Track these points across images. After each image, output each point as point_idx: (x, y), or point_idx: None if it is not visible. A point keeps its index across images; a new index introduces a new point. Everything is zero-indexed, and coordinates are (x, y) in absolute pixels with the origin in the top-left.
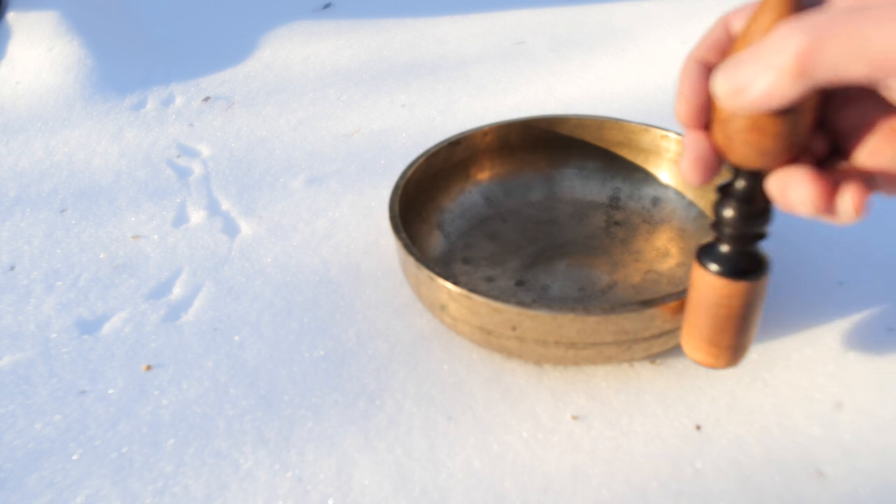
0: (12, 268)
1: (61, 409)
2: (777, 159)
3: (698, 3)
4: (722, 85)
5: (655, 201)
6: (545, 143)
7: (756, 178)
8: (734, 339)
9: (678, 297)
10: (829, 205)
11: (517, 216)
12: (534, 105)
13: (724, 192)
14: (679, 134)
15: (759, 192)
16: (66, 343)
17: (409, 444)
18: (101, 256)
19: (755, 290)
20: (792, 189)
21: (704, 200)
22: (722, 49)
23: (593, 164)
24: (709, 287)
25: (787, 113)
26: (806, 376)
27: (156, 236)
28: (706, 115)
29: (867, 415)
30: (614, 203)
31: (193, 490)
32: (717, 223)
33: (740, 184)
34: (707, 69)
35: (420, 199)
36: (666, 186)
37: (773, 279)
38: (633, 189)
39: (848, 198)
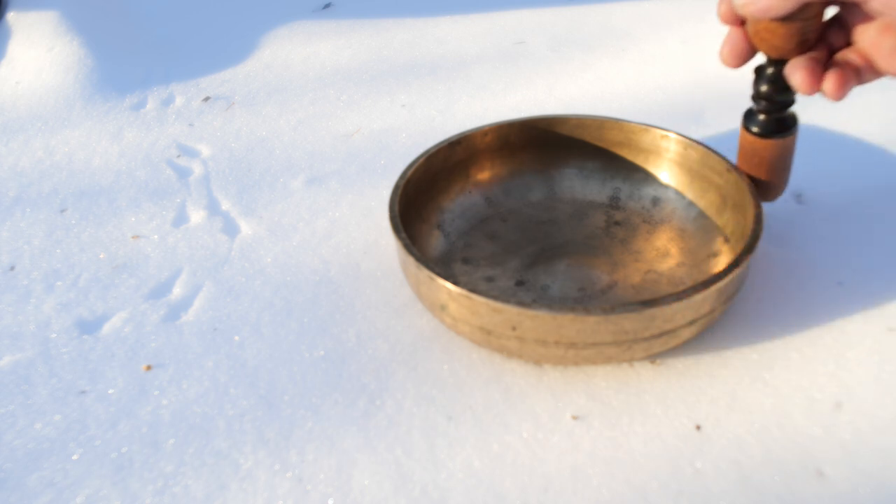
0: (12, 268)
1: (61, 409)
2: (789, 53)
3: (698, 3)
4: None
5: (655, 201)
6: (545, 143)
7: (779, 64)
8: (770, 179)
9: (678, 297)
10: (817, 87)
11: (517, 216)
12: (534, 105)
13: (758, 73)
14: (679, 133)
15: (781, 75)
16: (66, 343)
17: (409, 444)
18: (101, 256)
19: (783, 146)
20: (793, 74)
21: (704, 200)
22: None
23: (593, 164)
24: (748, 143)
25: (790, 20)
26: (806, 376)
27: (156, 236)
28: (740, 16)
29: (867, 415)
30: (614, 203)
31: (193, 490)
32: (755, 96)
33: (769, 69)
34: None
35: (420, 199)
36: (666, 186)
37: (774, 279)
38: (633, 189)
39: (828, 82)
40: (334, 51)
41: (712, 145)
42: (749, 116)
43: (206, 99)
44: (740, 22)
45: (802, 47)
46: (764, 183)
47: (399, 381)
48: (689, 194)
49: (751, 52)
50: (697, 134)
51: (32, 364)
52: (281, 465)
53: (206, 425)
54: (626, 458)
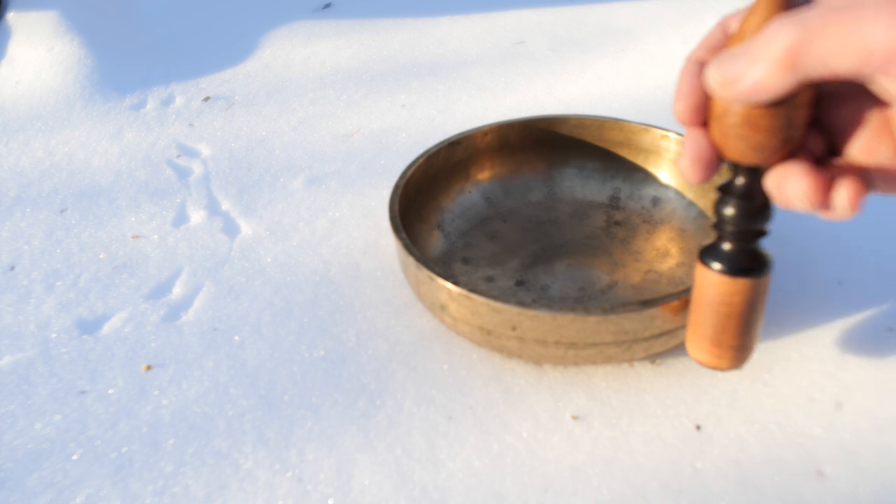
0: (12, 268)
1: (61, 409)
2: (772, 155)
3: (698, 3)
4: (714, 75)
5: (655, 201)
6: (545, 143)
7: (754, 174)
8: (737, 339)
9: (678, 297)
10: (824, 199)
11: (517, 216)
12: (534, 105)
13: (725, 190)
14: (679, 134)
15: (758, 188)
16: (66, 343)
17: (409, 444)
18: (101, 256)
19: (757, 288)
20: (788, 184)
21: (705, 200)
22: (720, 49)
23: (593, 164)
24: (711, 285)
25: (778, 107)
26: (806, 376)
27: (156, 236)
28: (703, 113)
29: (867, 415)
30: (614, 203)
31: (193, 490)
32: (719, 222)
33: (739, 181)
34: (701, 67)
35: (420, 199)
36: (666, 186)
37: (774, 279)
38: (633, 189)
39: (843, 192)
40: (334, 51)
41: None
42: (710, 250)
43: (206, 99)
44: (703, 121)
45: (786, 149)
46: (729, 344)
47: (399, 381)
48: (689, 194)
49: (719, 160)
50: None
51: (32, 364)
52: (281, 465)
53: (206, 425)
54: (626, 458)
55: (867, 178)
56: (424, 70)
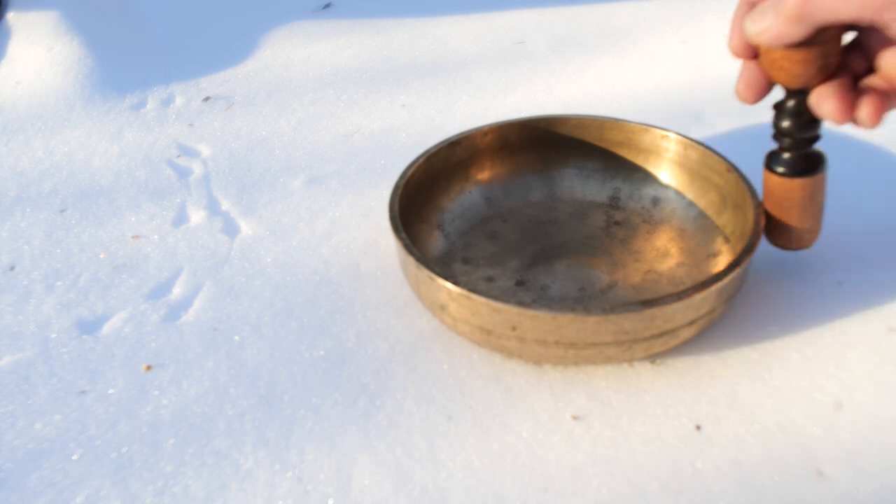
0: (12, 268)
1: (61, 409)
2: (811, 80)
3: (698, 3)
4: (750, 28)
5: (655, 201)
6: (545, 143)
7: (800, 95)
8: (802, 224)
9: (678, 297)
10: (851, 115)
11: (517, 216)
12: (534, 105)
13: (779, 108)
14: (679, 133)
15: (804, 106)
16: (66, 343)
17: (409, 444)
18: (101, 256)
19: (813, 185)
20: (822, 103)
21: (705, 200)
22: None
23: (593, 164)
24: (776, 186)
25: (809, 45)
26: (806, 376)
27: (156, 236)
28: (753, 48)
29: (867, 415)
30: (614, 203)
31: (193, 490)
32: (776, 134)
33: (789, 102)
34: (752, 8)
35: (420, 199)
36: (666, 186)
37: (774, 279)
38: (633, 189)
39: (865, 109)
40: (334, 51)
41: (712, 145)
42: (773, 157)
43: (206, 99)
44: (754, 54)
45: (823, 74)
46: (797, 229)
47: (399, 381)
48: (689, 194)
49: (768, 85)
50: (697, 134)
51: (32, 364)
52: (281, 465)
53: (206, 425)
54: (626, 458)
55: (891, 99)
56: (424, 70)
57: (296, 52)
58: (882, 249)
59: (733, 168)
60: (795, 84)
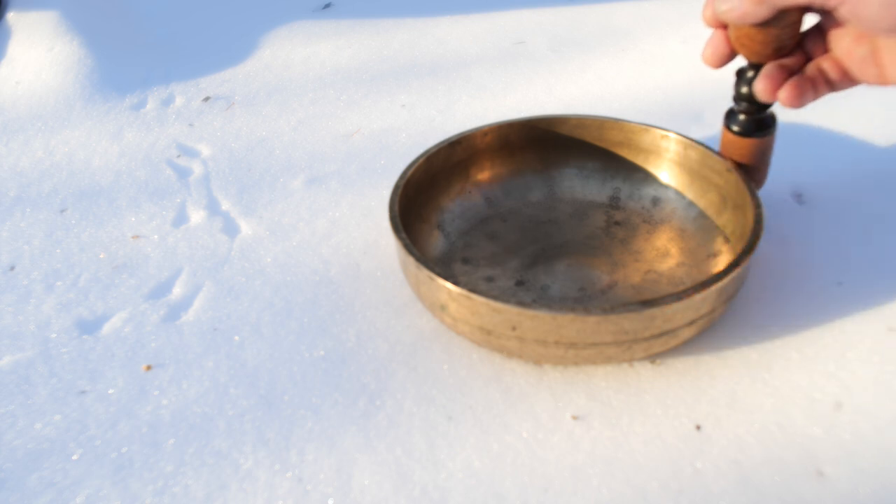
0: (12, 268)
1: (61, 409)
2: (768, 58)
3: (698, 3)
4: (718, 5)
5: (655, 201)
6: (545, 143)
7: (759, 68)
8: (752, 174)
9: (678, 297)
10: (773, 96)
11: (517, 216)
12: (534, 105)
13: (739, 75)
14: (679, 133)
15: None
16: (66, 343)
17: (409, 444)
18: (101, 256)
19: (762, 144)
20: (757, 81)
21: (704, 200)
22: None
23: (593, 164)
24: (730, 142)
25: (768, 27)
26: (806, 376)
27: (156, 236)
28: (722, 21)
29: (867, 415)
30: (614, 203)
31: (193, 490)
32: (735, 97)
33: (749, 72)
34: None
35: (420, 199)
36: (666, 186)
37: (774, 279)
38: (633, 189)
39: (784, 91)
40: (334, 51)
41: (712, 145)
42: (730, 116)
43: (206, 99)
44: (723, 26)
45: (779, 53)
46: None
47: (399, 381)
48: (689, 194)
49: (731, 55)
50: (697, 134)
51: (32, 364)
52: (281, 465)
53: (206, 425)
54: (626, 458)
55: (830, 83)
56: (424, 70)
57: (296, 52)
58: (882, 249)
59: (733, 168)
60: (754, 59)
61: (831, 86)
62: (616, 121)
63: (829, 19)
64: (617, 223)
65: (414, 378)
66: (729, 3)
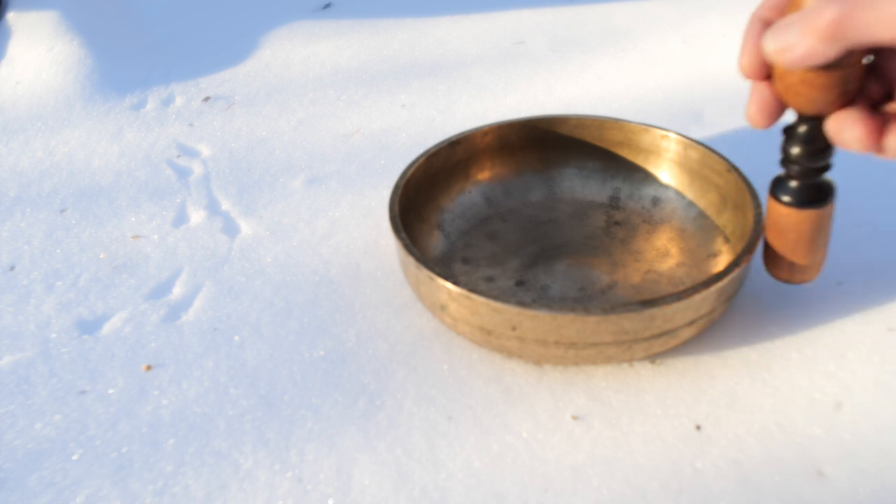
0: (12, 268)
1: (61, 409)
2: (829, 106)
3: (698, 3)
4: (770, 44)
5: (655, 201)
6: (545, 143)
7: (815, 121)
8: (806, 259)
9: (678, 297)
10: (878, 143)
11: (517, 216)
12: (534, 105)
13: (789, 133)
14: (679, 133)
15: (819, 133)
16: (66, 343)
17: (409, 444)
18: (101, 256)
19: (821, 217)
20: (845, 129)
21: (705, 200)
22: (781, 9)
23: (593, 164)
24: (781, 216)
25: (832, 69)
26: (806, 376)
27: (156, 236)
28: (766, 68)
29: (867, 415)
30: (614, 203)
31: (193, 490)
32: (784, 160)
33: (802, 127)
34: (767, 26)
35: (420, 199)
36: (666, 186)
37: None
38: (633, 189)
39: (894, 136)
40: (334, 51)
41: (712, 145)
42: (779, 185)
43: (206, 99)
44: (766, 75)
45: (843, 100)
46: (801, 263)
47: (399, 381)
48: (689, 194)
49: (781, 108)
50: (697, 134)
51: (32, 364)
52: (281, 465)
53: (206, 425)
54: (626, 458)
55: None
56: (424, 70)
57: (296, 52)
58: (882, 249)
59: (733, 168)
60: (812, 110)
61: None
62: (616, 121)
63: (892, 60)
64: (617, 223)
65: (414, 378)
66: (784, 40)
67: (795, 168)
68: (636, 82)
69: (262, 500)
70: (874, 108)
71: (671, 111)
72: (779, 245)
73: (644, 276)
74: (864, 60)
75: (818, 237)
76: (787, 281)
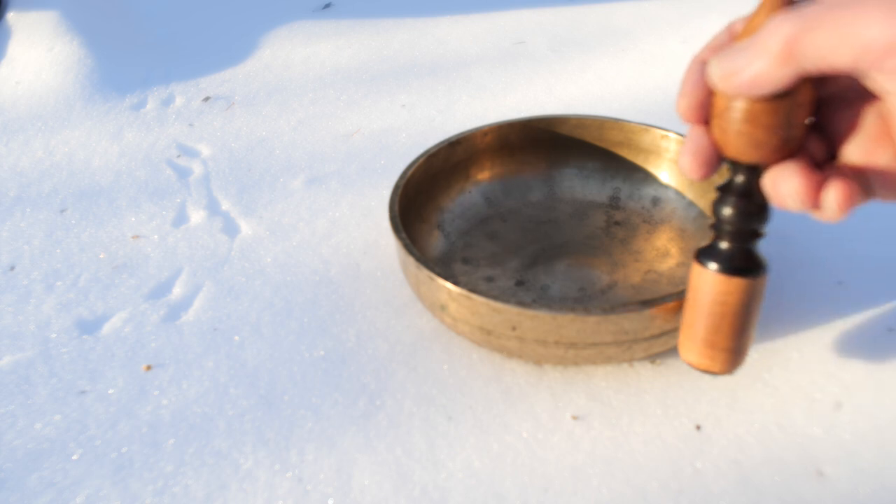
0: (12, 268)
1: (61, 409)
2: (771, 154)
3: (698, 3)
4: (715, 69)
5: (655, 201)
6: (545, 143)
7: (753, 172)
8: (730, 341)
9: (678, 297)
10: (815, 199)
11: (517, 216)
12: (534, 105)
13: (724, 190)
14: (679, 133)
15: (756, 187)
16: (66, 343)
17: (409, 444)
18: (101, 256)
19: (753, 289)
20: (782, 182)
21: (704, 200)
22: (722, 48)
23: (593, 164)
24: (706, 283)
25: (779, 103)
26: (806, 376)
27: (156, 236)
28: (705, 111)
29: (867, 415)
30: (614, 203)
31: (193, 490)
32: (717, 222)
33: (739, 179)
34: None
35: (420, 199)
36: (666, 186)
37: (773, 279)
38: (633, 189)
39: (832, 193)
40: (334, 51)
41: None
42: (707, 250)
43: (206, 99)
44: (704, 119)
45: (785, 150)
46: (729, 346)
47: (399, 381)
48: (689, 194)
49: (718, 159)
50: None
51: (32, 364)
52: (281, 465)
53: (206, 425)
54: (626, 458)
55: (866, 183)
56: (424, 70)
57: (296, 52)
58: (882, 249)
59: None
60: (751, 157)
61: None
62: (616, 121)
63: (837, 115)
64: (617, 223)
65: (414, 378)
66: (732, 64)
67: (727, 228)
68: (636, 82)
69: (262, 500)
70: (816, 166)
71: (671, 111)
72: (699, 321)
73: (644, 276)
74: (807, 121)
75: (746, 315)
76: (702, 368)
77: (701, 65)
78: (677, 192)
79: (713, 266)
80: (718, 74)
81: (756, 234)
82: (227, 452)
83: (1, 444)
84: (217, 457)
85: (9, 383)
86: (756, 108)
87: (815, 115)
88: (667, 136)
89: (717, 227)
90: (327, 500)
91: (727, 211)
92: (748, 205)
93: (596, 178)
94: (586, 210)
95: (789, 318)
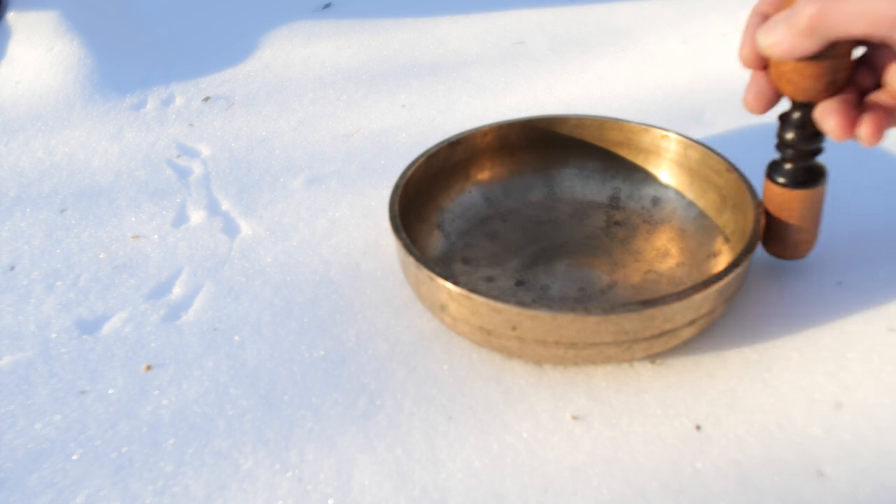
0: (12, 268)
1: (61, 409)
2: (818, 95)
3: (698, 3)
4: (762, 40)
5: (655, 201)
6: (545, 143)
7: (806, 108)
8: (798, 235)
9: (678, 297)
10: (851, 132)
11: (517, 216)
12: (534, 105)
13: (783, 120)
14: (679, 134)
15: (809, 119)
16: (66, 343)
17: (409, 444)
18: (101, 256)
19: (811, 197)
20: (826, 119)
21: (704, 200)
22: (777, 4)
23: (593, 164)
24: (775, 195)
25: (819, 60)
26: (806, 376)
27: (156, 236)
28: (763, 59)
29: (867, 415)
30: (614, 203)
31: (193, 490)
32: (780, 145)
33: (794, 114)
34: (765, 20)
35: (420, 199)
36: (666, 186)
37: (774, 279)
38: (633, 189)
39: (864, 128)
40: (334, 51)
41: (712, 145)
42: (774, 167)
43: (206, 99)
44: (763, 65)
45: (831, 89)
46: (793, 239)
47: (399, 381)
48: (689, 194)
49: (776, 97)
50: (697, 134)
51: (32, 364)
52: (281, 465)
53: (206, 425)
54: (626, 458)
55: (893, 115)
56: (424, 70)
57: (296, 52)
58: (882, 249)
59: (733, 168)
60: (802, 97)
61: (893, 120)
62: (616, 121)
63: (882, 51)
64: (617, 223)
65: (414, 378)
66: (773, 36)
67: (789, 152)
68: (636, 82)
69: (262, 500)
70: (863, 96)
71: (671, 111)
72: (773, 223)
73: (644, 276)
74: (855, 53)
75: (809, 216)
76: (781, 256)
77: (758, 17)
78: (677, 192)
79: (780, 181)
80: (764, 44)
81: (813, 154)
82: (227, 452)
83: (1, 444)
84: (217, 457)
85: (9, 383)
86: (801, 64)
87: (867, 49)
88: (667, 136)
89: (781, 148)
90: (327, 500)
91: (788, 136)
92: (804, 133)
93: (596, 178)
94: (586, 210)
95: (789, 318)
